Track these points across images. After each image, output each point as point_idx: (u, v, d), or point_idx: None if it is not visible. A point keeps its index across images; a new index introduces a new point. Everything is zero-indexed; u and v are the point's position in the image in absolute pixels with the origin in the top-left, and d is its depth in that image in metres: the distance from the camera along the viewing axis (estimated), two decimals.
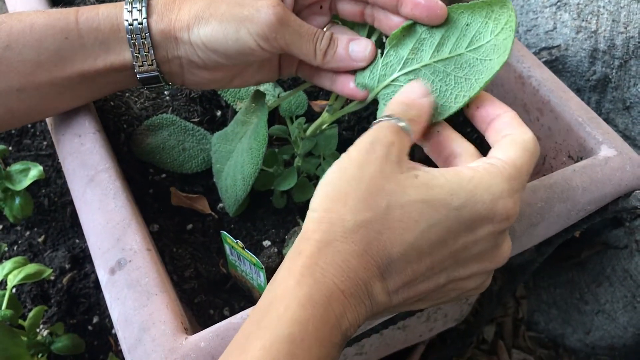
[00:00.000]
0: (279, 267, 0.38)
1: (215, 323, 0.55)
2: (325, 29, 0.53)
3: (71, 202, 0.85)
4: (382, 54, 0.49)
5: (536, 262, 0.63)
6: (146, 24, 0.48)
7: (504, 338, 0.90)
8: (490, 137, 0.43)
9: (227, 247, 0.55)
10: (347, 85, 0.51)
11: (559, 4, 0.72)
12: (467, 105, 0.45)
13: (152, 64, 0.50)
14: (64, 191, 0.87)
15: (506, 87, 0.60)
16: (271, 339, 0.34)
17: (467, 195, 0.37)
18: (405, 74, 0.48)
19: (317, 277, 0.35)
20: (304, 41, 0.48)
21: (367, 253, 0.36)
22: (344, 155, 0.40)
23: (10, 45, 0.48)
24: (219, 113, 0.68)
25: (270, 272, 0.55)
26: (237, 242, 0.52)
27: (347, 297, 0.36)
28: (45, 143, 0.92)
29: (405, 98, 0.43)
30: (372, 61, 0.50)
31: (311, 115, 0.68)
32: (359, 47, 0.49)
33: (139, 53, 0.49)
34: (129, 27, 0.48)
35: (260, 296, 0.56)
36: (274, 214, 0.63)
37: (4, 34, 0.48)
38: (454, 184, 0.38)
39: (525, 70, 0.57)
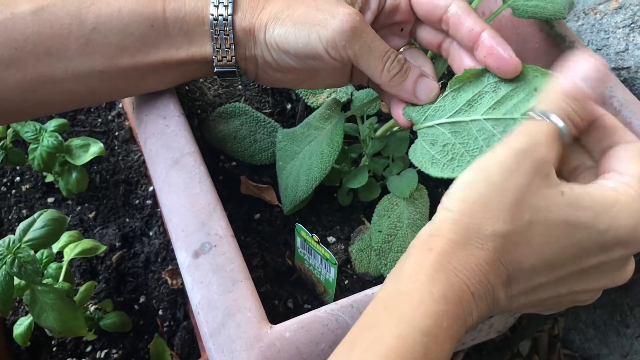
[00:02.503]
0: (403, 259, 0.39)
1: (279, 314, 0.56)
2: (401, 49, 0.53)
3: (124, 181, 0.86)
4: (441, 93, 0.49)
5: None
6: (231, 20, 0.48)
7: (539, 353, 0.91)
8: (592, 143, 0.42)
9: (298, 240, 0.56)
10: (397, 110, 0.51)
11: (633, 25, 0.72)
12: None
13: (231, 60, 0.50)
14: (117, 169, 0.87)
15: None
16: (407, 329, 0.34)
17: (611, 219, 0.37)
18: (452, 123, 0.47)
19: (450, 276, 0.36)
20: (373, 57, 0.47)
21: (499, 261, 0.37)
22: (489, 156, 0.39)
23: (98, 28, 0.48)
24: (289, 106, 0.68)
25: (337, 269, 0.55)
26: (312, 235, 0.53)
27: (476, 299, 0.37)
28: (99, 120, 0.93)
29: (575, 90, 0.39)
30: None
31: (380, 115, 0.69)
32: (426, 87, 0.49)
33: (220, 48, 0.49)
34: (214, 21, 0.48)
35: (324, 291, 0.57)
36: (339, 211, 0.63)
37: (93, 15, 0.48)
38: (599, 206, 0.37)
39: (607, 90, 0.57)
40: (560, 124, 0.39)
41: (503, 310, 0.40)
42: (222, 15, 0.48)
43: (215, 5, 0.49)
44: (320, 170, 0.56)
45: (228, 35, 0.49)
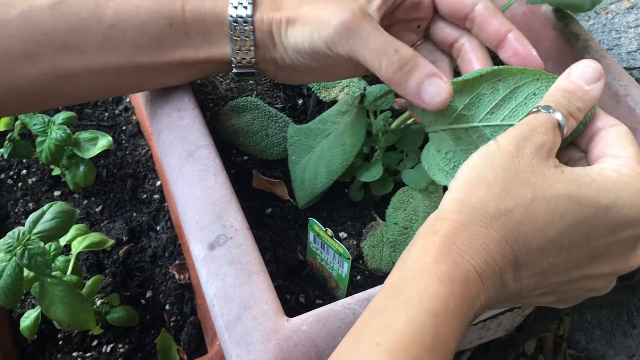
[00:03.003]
0: (409, 246, 0.39)
1: (291, 308, 0.56)
2: (418, 43, 0.53)
3: (131, 175, 0.86)
4: None
5: None
6: (251, 22, 0.48)
7: (544, 353, 0.91)
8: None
9: (311, 234, 0.55)
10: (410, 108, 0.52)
11: None
12: None
13: (250, 62, 0.50)
14: (124, 164, 0.87)
15: (598, 103, 0.60)
16: (415, 312, 0.35)
17: (615, 196, 0.38)
18: (452, 129, 0.47)
19: (455, 257, 0.36)
20: (368, 52, 0.45)
21: (505, 241, 0.37)
22: (492, 142, 0.40)
23: (115, 25, 0.47)
24: (300, 101, 0.68)
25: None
26: (326, 230, 0.53)
27: (483, 281, 0.37)
28: (106, 114, 0.92)
29: (570, 85, 0.42)
30: None
31: (393, 110, 0.68)
32: (434, 89, 0.45)
33: (239, 50, 0.49)
34: (233, 23, 0.48)
35: (336, 286, 0.57)
36: (350, 206, 0.63)
37: (111, 12, 0.48)
38: (600, 183, 0.38)
39: (622, 89, 0.57)
40: (559, 115, 0.41)
41: (513, 295, 0.40)
42: (241, 17, 0.48)
43: (234, 7, 0.48)
44: (343, 161, 0.56)
45: (248, 37, 0.48)
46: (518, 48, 0.47)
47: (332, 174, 0.57)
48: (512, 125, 0.44)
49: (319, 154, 0.58)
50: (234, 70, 0.50)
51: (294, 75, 0.52)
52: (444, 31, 0.51)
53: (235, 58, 0.49)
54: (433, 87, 0.45)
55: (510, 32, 0.47)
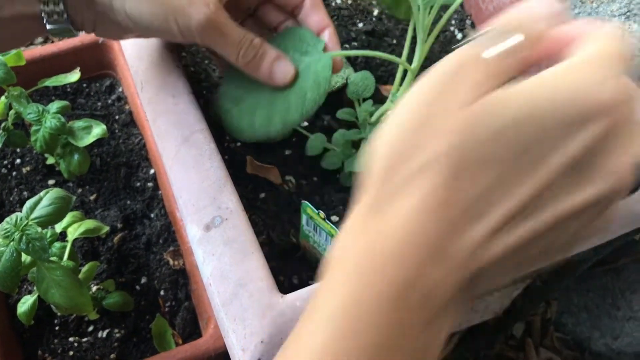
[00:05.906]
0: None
1: (284, 290, 0.57)
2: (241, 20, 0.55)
3: (124, 164, 0.87)
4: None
5: (589, 262, 0.65)
6: None
7: (532, 336, 0.93)
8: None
9: (304, 217, 0.57)
10: None
11: (628, 13, 0.74)
12: None
13: (61, 16, 0.47)
14: (118, 152, 0.88)
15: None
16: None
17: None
18: None
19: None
20: (228, 44, 0.49)
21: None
22: None
23: None
24: None
25: None
26: (318, 212, 0.54)
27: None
28: (99, 104, 0.93)
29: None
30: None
31: (379, 99, 0.70)
32: (281, 70, 0.51)
33: (47, 6, 0.46)
34: None
35: None
36: (341, 191, 0.64)
37: None
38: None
39: None
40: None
41: (480, 271, 0.29)
42: None
43: None
44: (300, 115, 0.52)
45: None
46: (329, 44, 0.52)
47: (287, 125, 0.53)
48: None
49: (269, 97, 0.54)
50: (48, 27, 0.48)
51: (115, 30, 0.50)
52: (271, 13, 0.55)
53: (44, 10, 0.46)
54: (280, 68, 0.51)
55: (327, 28, 0.53)
